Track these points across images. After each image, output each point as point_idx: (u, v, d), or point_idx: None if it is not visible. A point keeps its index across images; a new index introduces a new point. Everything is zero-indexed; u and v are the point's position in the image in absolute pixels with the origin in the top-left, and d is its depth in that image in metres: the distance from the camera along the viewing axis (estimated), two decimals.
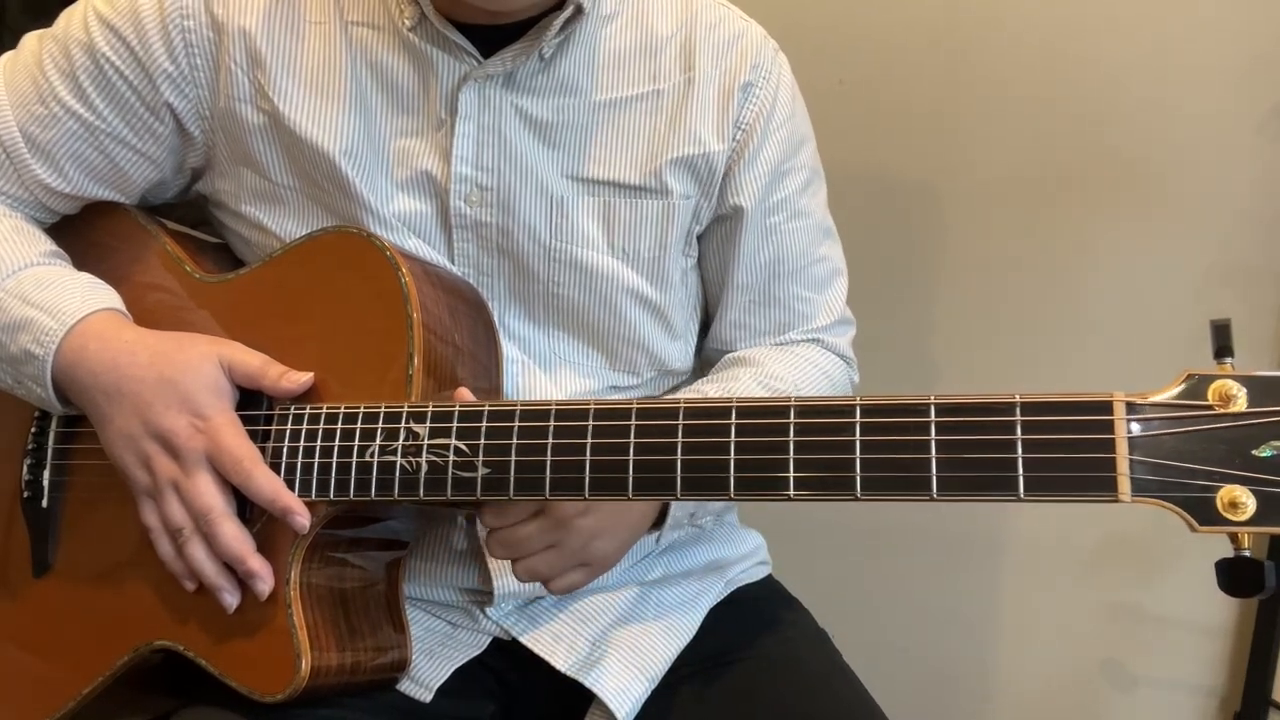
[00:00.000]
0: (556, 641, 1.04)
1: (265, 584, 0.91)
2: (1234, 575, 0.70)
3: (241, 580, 0.93)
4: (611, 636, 1.04)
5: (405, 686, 1.02)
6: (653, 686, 1.02)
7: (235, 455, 0.91)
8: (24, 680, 1.03)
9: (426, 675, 1.03)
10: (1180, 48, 1.49)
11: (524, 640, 1.05)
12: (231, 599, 0.92)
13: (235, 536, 0.91)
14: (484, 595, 1.05)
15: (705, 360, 1.18)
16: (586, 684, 1.00)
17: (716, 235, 1.11)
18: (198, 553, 0.92)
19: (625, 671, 1.01)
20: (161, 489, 0.93)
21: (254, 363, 0.95)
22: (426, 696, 1.02)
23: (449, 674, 1.03)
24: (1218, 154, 1.49)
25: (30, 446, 1.05)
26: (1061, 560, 1.62)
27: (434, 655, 1.04)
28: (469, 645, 1.06)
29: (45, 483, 1.04)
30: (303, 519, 0.91)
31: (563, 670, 1.02)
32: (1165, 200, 1.52)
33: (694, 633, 1.07)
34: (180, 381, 0.93)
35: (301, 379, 0.94)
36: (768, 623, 1.11)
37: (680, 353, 1.13)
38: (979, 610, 1.68)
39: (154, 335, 0.97)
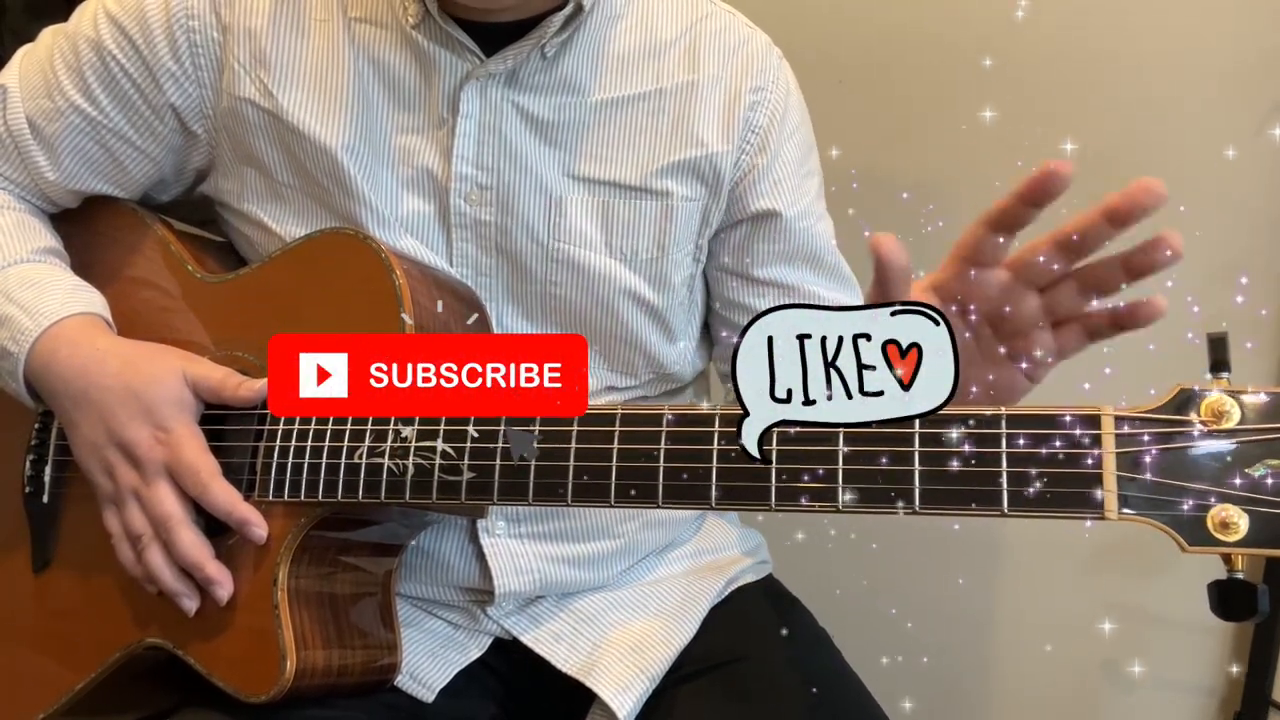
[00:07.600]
0: (557, 641, 1.05)
1: (224, 590, 0.92)
2: (1226, 598, 0.68)
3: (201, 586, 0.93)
4: (612, 636, 1.04)
5: (407, 686, 1.02)
6: (653, 686, 1.02)
7: (193, 467, 0.92)
8: (20, 674, 1.04)
9: (428, 676, 1.03)
10: (1180, 47, 1.48)
11: (525, 640, 1.05)
12: (190, 603, 0.93)
13: (193, 543, 0.92)
14: (485, 595, 1.05)
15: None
16: (587, 684, 1.00)
17: (735, 237, 1.09)
18: (156, 558, 0.93)
19: (626, 671, 1.01)
20: (123, 496, 0.94)
21: (215, 376, 0.95)
22: (429, 697, 1.02)
23: (451, 675, 1.03)
24: (1218, 154, 1.47)
25: (33, 442, 1.06)
26: (1061, 560, 1.61)
27: (435, 656, 1.04)
28: (470, 646, 1.06)
29: (47, 479, 1.05)
30: (260, 530, 0.91)
31: (563, 670, 1.02)
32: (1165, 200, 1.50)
33: (694, 633, 1.07)
34: (145, 393, 0.93)
35: (256, 385, 0.94)
36: (768, 623, 1.11)
37: (678, 356, 1.12)
38: (979, 610, 1.67)
39: (127, 344, 0.98)
